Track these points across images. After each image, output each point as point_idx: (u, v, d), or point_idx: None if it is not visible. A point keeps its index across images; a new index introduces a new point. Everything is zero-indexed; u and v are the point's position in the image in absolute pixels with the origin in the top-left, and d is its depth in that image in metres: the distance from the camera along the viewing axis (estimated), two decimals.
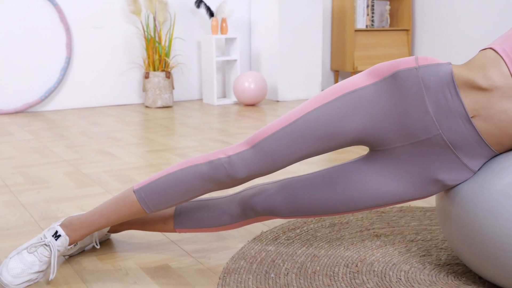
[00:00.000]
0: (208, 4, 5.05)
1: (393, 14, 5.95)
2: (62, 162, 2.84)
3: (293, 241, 1.76)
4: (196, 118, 4.17)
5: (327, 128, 1.38)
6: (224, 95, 5.29)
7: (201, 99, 5.18)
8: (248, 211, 1.57)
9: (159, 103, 4.68)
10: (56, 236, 1.50)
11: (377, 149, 1.43)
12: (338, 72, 5.82)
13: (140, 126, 3.88)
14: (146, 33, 4.65)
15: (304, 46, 5.10)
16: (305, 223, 1.91)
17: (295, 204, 1.51)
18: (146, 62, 4.74)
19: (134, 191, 1.49)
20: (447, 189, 1.43)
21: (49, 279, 1.45)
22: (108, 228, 1.70)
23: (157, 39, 4.74)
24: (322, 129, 1.38)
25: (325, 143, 1.40)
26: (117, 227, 1.73)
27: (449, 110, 1.32)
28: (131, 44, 4.83)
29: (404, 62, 1.37)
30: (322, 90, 5.53)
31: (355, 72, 5.58)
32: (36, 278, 1.48)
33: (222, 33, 4.89)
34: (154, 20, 4.63)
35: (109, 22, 4.73)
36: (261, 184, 1.59)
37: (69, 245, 1.53)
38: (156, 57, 4.67)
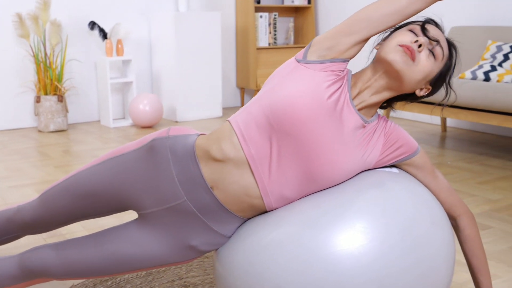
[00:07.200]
0: (102, 26, 5.00)
1: (298, 31, 6.02)
2: None
3: None
4: (85, 144, 4.12)
5: (92, 187, 1.47)
6: (123, 117, 5.25)
7: (99, 121, 5.12)
8: (26, 271, 1.56)
9: (52, 127, 4.60)
10: None
11: (139, 213, 1.45)
12: (244, 90, 5.86)
13: (21, 154, 3.81)
14: (36, 57, 4.56)
15: (204, 65, 5.11)
16: None
17: (67, 265, 1.50)
18: (38, 86, 4.66)
19: None
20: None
21: None
22: None
23: (48, 62, 4.66)
24: (87, 187, 1.48)
25: (92, 202, 1.49)
26: None
27: (192, 179, 1.35)
28: (23, 67, 4.74)
29: (160, 132, 1.43)
30: (223, 108, 5.55)
31: (258, 89, 5.62)
32: None
33: (118, 54, 4.86)
34: (44, 45, 4.55)
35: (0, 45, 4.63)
36: (39, 246, 1.58)
37: None
38: (48, 81, 4.60)
